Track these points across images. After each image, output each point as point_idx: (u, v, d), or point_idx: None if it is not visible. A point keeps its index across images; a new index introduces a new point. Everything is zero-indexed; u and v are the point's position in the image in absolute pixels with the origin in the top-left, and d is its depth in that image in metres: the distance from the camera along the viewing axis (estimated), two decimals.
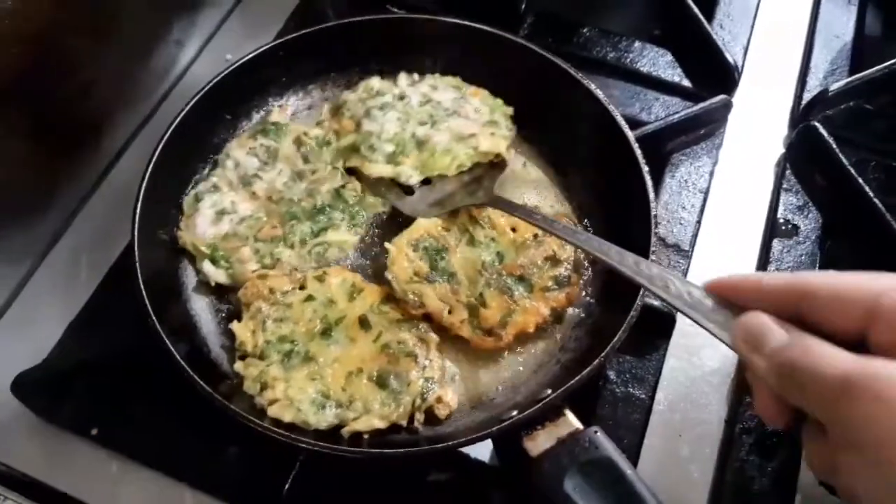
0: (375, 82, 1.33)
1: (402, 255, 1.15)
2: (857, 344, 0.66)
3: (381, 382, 1.05)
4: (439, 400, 1.06)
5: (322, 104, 1.36)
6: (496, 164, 1.25)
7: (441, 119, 1.25)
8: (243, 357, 1.09)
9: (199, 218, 1.19)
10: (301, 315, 1.10)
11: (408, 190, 1.24)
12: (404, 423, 1.05)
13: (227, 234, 1.18)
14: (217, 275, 1.16)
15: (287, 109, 1.35)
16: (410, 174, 1.22)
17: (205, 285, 1.18)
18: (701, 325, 0.77)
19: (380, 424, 1.03)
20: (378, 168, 1.23)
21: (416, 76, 1.33)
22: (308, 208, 1.22)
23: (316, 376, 1.05)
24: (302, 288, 1.13)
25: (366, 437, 1.03)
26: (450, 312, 1.11)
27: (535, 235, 1.18)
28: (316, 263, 1.19)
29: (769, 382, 0.70)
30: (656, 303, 1.15)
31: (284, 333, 1.08)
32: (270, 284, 1.12)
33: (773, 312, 0.72)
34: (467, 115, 1.26)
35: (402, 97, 1.29)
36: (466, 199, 1.20)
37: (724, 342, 0.75)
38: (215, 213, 1.20)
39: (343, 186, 1.25)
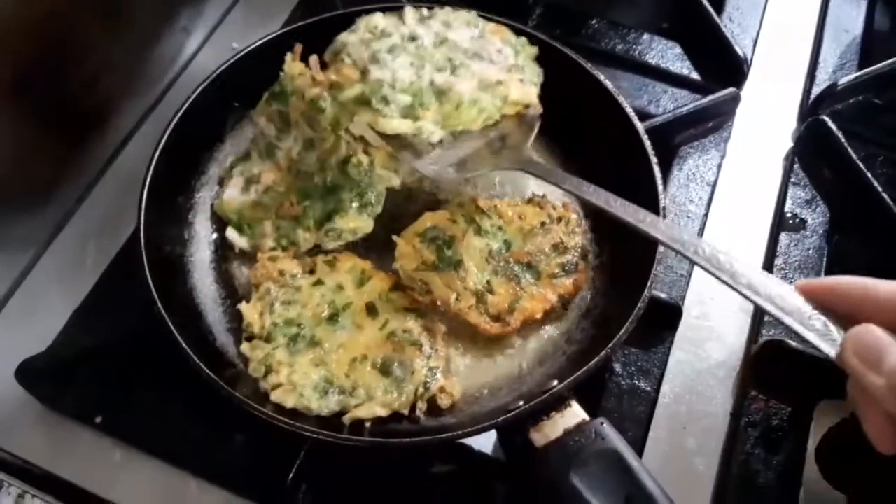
0: (378, 19, 1.14)
1: (410, 246, 1.14)
2: None
3: (384, 370, 1.05)
4: (442, 390, 1.05)
5: None
6: (522, 120, 1.14)
7: (462, 64, 1.11)
8: (250, 339, 1.08)
9: (231, 185, 1.21)
10: (309, 299, 1.10)
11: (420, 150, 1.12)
12: (406, 411, 1.04)
13: (255, 202, 1.19)
14: (240, 241, 1.18)
15: (298, 51, 1.21)
16: (433, 130, 1.08)
17: (212, 271, 1.18)
18: (796, 333, 0.72)
19: (381, 412, 1.02)
20: (394, 124, 1.07)
21: (424, 11, 1.17)
22: (320, 185, 1.18)
23: (320, 362, 1.05)
24: (311, 272, 1.13)
25: (367, 425, 1.03)
26: (457, 299, 1.10)
27: (543, 223, 1.18)
28: (333, 246, 1.18)
29: (886, 405, 0.65)
30: (663, 295, 1.15)
31: (291, 317, 1.08)
32: (280, 267, 1.12)
33: (884, 325, 0.67)
34: (490, 57, 1.13)
35: (412, 38, 1.12)
36: (494, 161, 1.11)
37: (825, 354, 0.70)
38: (245, 180, 1.21)
39: (347, 160, 1.15)
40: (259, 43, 1.25)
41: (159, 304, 1.02)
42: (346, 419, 1.02)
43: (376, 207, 1.18)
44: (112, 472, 1.07)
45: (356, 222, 1.17)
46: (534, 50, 1.19)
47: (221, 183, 1.25)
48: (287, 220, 1.17)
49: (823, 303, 0.72)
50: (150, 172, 1.12)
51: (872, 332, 0.67)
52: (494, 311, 1.10)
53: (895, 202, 1.23)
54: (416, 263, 1.13)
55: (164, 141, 1.15)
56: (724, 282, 0.78)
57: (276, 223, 1.17)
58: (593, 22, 1.48)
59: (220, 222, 1.22)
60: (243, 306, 1.10)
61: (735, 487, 1.06)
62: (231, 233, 1.18)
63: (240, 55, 1.24)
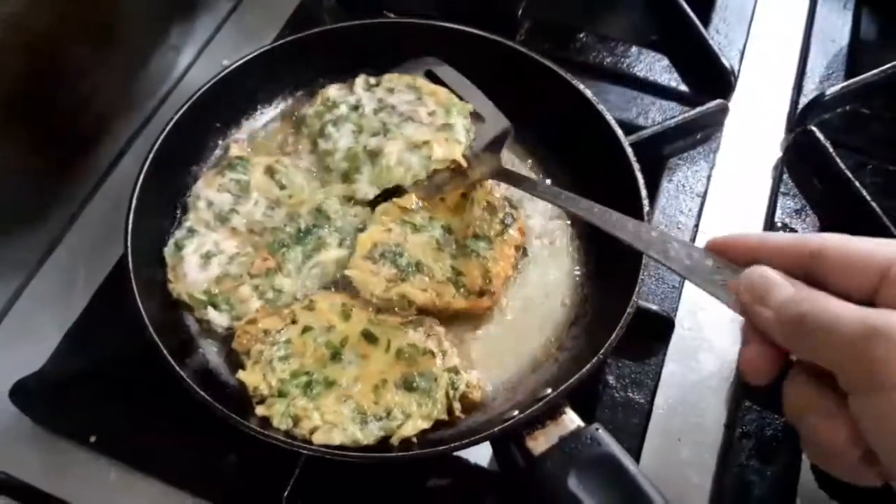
0: (332, 91, 1.28)
1: (367, 273, 1.13)
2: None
3: (408, 387, 1.03)
4: (469, 384, 1.06)
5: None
6: (456, 171, 1.20)
7: (394, 126, 1.21)
8: (261, 401, 1.04)
9: (187, 266, 1.14)
10: (304, 347, 1.07)
11: None
12: (446, 417, 1.03)
13: (220, 276, 1.14)
14: (221, 319, 1.11)
15: (244, 143, 1.30)
16: (366, 191, 1.20)
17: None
18: (702, 288, 0.77)
19: (424, 424, 1.01)
20: (335, 189, 1.21)
21: (371, 79, 1.28)
22: (293, 233, 1.17)
23: (345, 397, 1.03)
24: (294, 322, 1.10)
25: (414, 440, 1.02)
26: (438, 296, 1.12)
27: (464, 195, 1.20)
28: (320, 284, 1.15)
29: (773, 333, 0.70)
30: (655, 307, 1.15)
31: (295, 368, 1.05)
32: (263, 327, 1.09)
33: (778, 268, 0.72)
34: (421, 119, 1.22)
35: (356, 107, 1.25)
36: (467, 177, 1.20)
37: (723, 302, 0.75)
38: (201, 257, 1.15)
39: (322, 204, 1.20)
40: (240, 62, 1.25)
41: (151, 329, 1.01)
42: (394, 440, 1.00)
43: (354, 244, 1.17)
44: (107, 492, 1.06)
45: (337, 253, 1.17)
46: (467, 108, 1.24)
47: (168, 267, 1.16)
48: (262, 276, 1.14)
49: (730, 257, 0.77)
50: (135, 196, 1.11)
51: (762, 270, 0.72)
52: (474, 288, 1.13)
53: (884, 211, 1.24)
54: (383, 284, 1.12)
55: (147, 164, 1.14)
56: (639, 250, 0.87)
57: (251, 284, 1.13)
58: (581, 36, 1.49)
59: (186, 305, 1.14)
60: (243, 375, 1.06)
61: (730, 498, 1.07)
62: (212, 313, 1.12)
63: (222, 74, 1.24)
